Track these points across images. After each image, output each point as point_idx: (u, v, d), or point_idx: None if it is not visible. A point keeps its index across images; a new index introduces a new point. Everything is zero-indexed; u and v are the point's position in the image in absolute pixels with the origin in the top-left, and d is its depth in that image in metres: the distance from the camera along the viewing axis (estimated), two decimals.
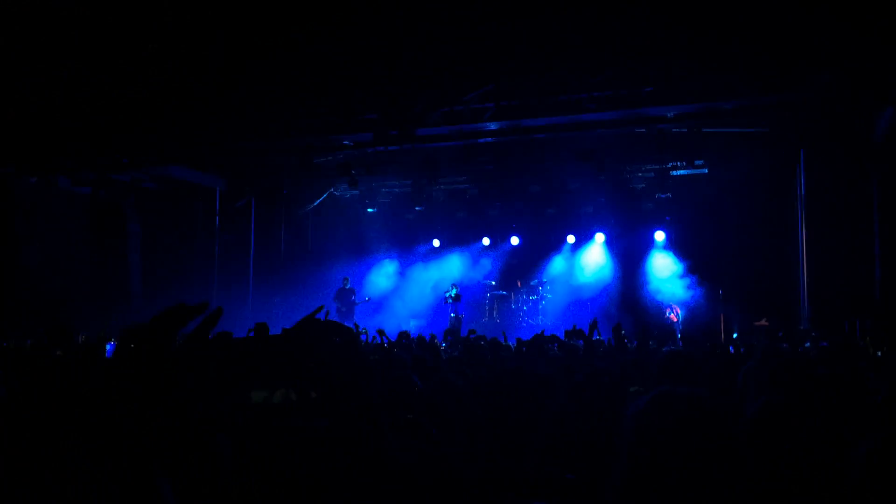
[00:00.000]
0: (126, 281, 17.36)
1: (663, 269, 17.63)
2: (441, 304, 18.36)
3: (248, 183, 18.41)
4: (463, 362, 5.99)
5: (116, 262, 17.39)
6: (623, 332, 6.66)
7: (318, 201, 19.48)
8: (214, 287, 17.91)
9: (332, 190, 19.20)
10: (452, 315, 17.57)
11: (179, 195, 17.92)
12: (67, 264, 16.69)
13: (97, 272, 17.23)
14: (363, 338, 8.80)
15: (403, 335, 9.95)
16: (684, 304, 16.76)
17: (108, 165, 15.93)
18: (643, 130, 13.80)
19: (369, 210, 19.42)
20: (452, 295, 17.81)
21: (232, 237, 18.48)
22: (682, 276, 17.24)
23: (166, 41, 11.98)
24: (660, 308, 16.78)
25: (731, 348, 10.07)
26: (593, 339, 6.55)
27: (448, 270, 19.51)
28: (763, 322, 14.42)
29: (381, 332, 9.89)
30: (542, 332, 7.27)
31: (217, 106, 13.56)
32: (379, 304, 18.91)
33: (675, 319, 16.32)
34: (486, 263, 19.67)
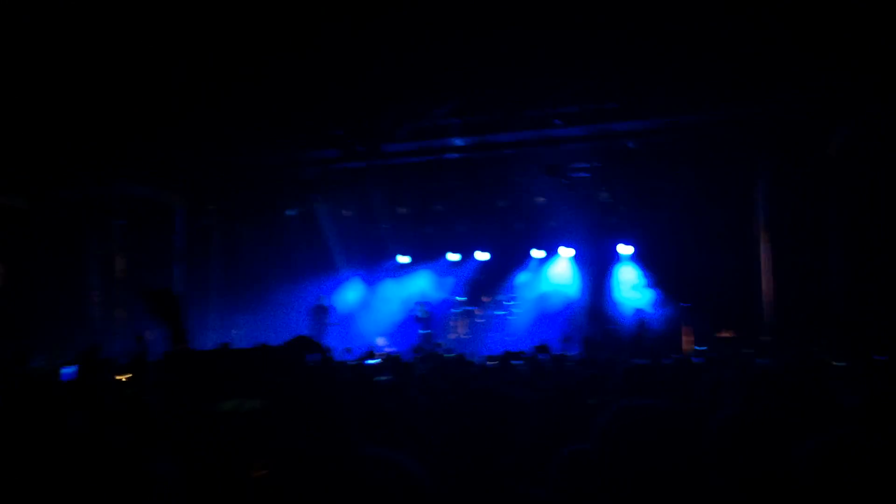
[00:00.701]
0: (83, 302, 16.99)
1: (629, 282, 17.78)
2: (410, 322, 18.28)
3: (209, 201, 18.18)
4: (428, 379, 5.94)
5: (75, 284, 17.03)
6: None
7: (285, 216, 19.30)
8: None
9: (298, 206, 19.05)
10: (421, 332, 17.51)
11: (139, 214, 17.62)
12: (24, 286, 16.29)
13: (54, 294, 16.84)
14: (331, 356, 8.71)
15: (370, 353, 9.87)
16: (648, 317, 16.90)
17: (67, 183, 15.62)
18: (608, 145, 13.96)
19: (335, 227, 19.29)
20: (419, 315, 17.76)
21: (194, 256, 18.20)
22: (647, 289, 17.39)
23: (126, 57, 11.81)
24: (628, 319, 16.89)
25: (693, 359, 10.13)
26: (559, 353, 6.55)
27: (415, 286, 19.44)
28: (726, 333, 14.58)
29: (348, 350, 9.80)
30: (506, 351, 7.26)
31: (180, 122, 13.39)
32: (346, 321, 18.76)
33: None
34: (453, 279, 19.64)
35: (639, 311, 16.74)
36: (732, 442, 2.46)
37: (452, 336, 18.30)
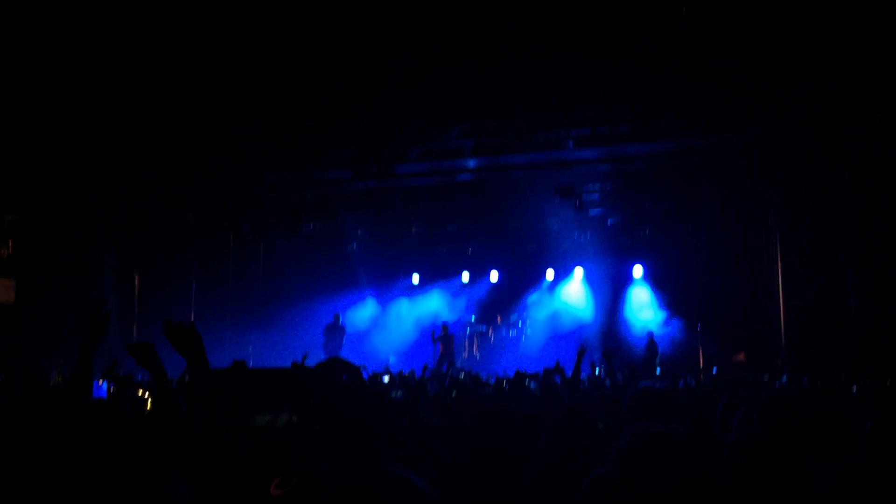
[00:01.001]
0: (86, 305, 17.07)
1: (641, 303, 17.75)
2: (424, 341, 18.31)
3: (225, 220, 18.34)
4: (440, 400, 5.96)
5: (90, 299, 17.14)
6: (595, 363, 6.68)
7: (300, 235, 19.42)
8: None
9: (313, 226, 19.17)
10: (440, 353, 17.44)
11: (156, 232, 17.78)
12: (40, 302, 16.42)
13: (70, 310, 16.96)
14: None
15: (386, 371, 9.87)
16: (662, 339, 16.84)
17: (84, 199, 15.80)
18: (620, 167, 14.00)
19: (349, 247, 19.39)
20: (439, 335, 17.70)
21: (210, 273, 18.33)
22: (659, 310, 17.36)
23: (145, 77, 11.99)
24: (639, 339, 16.83)
25: (707, 383, 10.09)
26: (574, 374, 6.54)
27: (428, 306, 19.48)
28: (740, 357, 14.50)
29: (363, 368, 9.82)
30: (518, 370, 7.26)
31: (195, 143, 13.55)
32: (359, 339, 18.81)
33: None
34: (466, 299, 19.67)
35: (649, 332, 16.68)
36: (748, 467, 2.47)
37: (465, 356, 18.30)
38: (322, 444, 1.80)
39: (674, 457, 1.71)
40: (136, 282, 17.53)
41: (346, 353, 16.88)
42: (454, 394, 6.66)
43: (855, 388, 7.88)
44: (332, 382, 1.84)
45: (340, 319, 18.02)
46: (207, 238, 18.45)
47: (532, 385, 7.01)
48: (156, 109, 12.65)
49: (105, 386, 4.32)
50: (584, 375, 8.21)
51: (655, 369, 15.40)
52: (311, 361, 14.50)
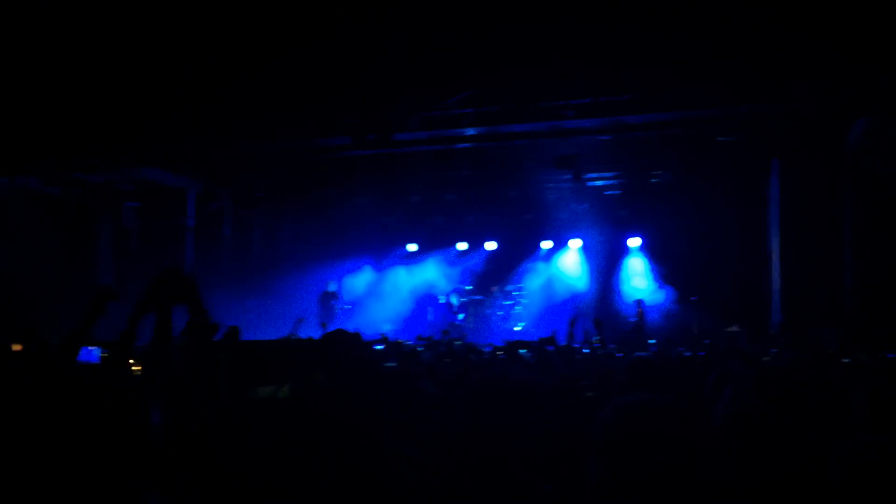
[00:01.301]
0: (97, 284, 17.11)
1: (638, 275, 17.79)
2: (420, 310, 18.39)
3: (222, 185, 18.25)
4: (435, 368, 5.99)
5: (87, 265, 17.14)
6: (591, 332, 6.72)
7: (296, 202, 19.35)
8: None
9: (309, 193, 19.10)
10: (457, 321, 17.54)
11: (152, 197, 17.71)
12: (37, 267, 16.41)
13: (67, 275, 16.96)
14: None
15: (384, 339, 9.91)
16: (655, 309, 16.91)
17: (80, 166, 15.70)
18: (620, 138, 13.93)
19: (346, 214, 19.34)
20: (453, 302, 17.73)
21: (206, 240, 18.30)
22: (655, 282, 17.41)
23: (141, 41, 11.85)
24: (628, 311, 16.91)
25: (700, 354, 10.14)
26: (568, 342, 6.58)
27: (424, 275, 19.50)
28: (735, 328, 14.57)
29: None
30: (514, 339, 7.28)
31: (192, 108, 13.43)
32: (354, 307, 18.86)
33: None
34: (462, 268, 19.69)
35: (639, 302, 16.74)
36: (738, 438, 2.48)
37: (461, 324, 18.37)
38: (322, 417, 1.80)
39: (658, 426, 1.70)
40: (131, 247, 17.50)
41: (340, 322, 16.93)
42: (448, 362, 6.68)
43: (848, 360, 7.92)
44: (335, 355, 1.84)
45: (332, 286, 18.03)
46: (203, 203, 18.39)
47: (527, 353, 7.04)
48: (153, 72, 12.52)
49: (97, 351, 4.30)
50: (576, 344, 8.25)
51: (644, 338, 15.52)
52: (306, 328, 14.60)
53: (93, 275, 17.13)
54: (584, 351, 8.53)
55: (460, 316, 17.70)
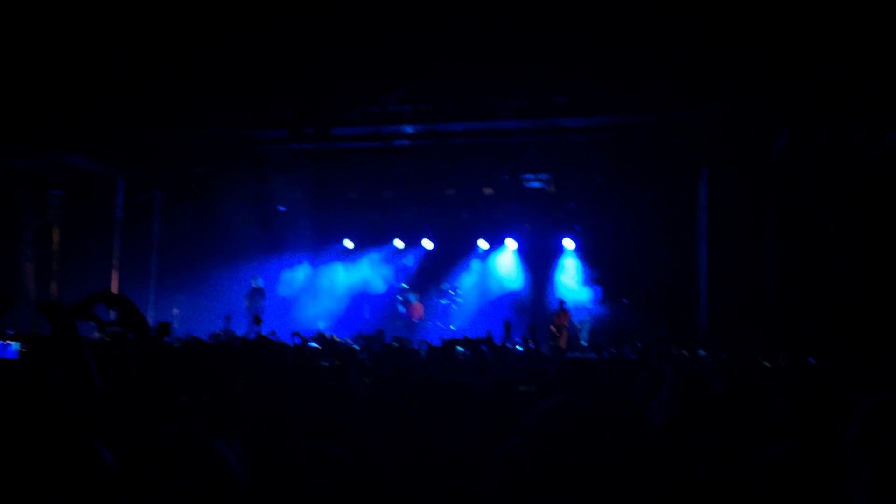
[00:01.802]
0: (17, 273, 16.42)
1: (571, 276, 18.08)
2: (356, 307, 18.31)
3: (153, 176, 17.74)
4: (372, 366, 5.96)
5: (8, 254, 16.43)
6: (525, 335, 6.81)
7: (231, 195, 18.95)
8: (114, 284, 17.19)
9: (245, 186, 18.73)
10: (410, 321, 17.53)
11: (79, 186, 17.08)
12: None
13: None
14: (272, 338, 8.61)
15: (321, 337, 9.79)
16: (582, 311, 17.24)
17: (3, 152, 15.05)
18: (556, 140, 14.15)
19: (281, 208, 19.05)
20: (408, 300, 17.66)
21: (134, 231, 17.76)
22: (588, 284, 17.71)
23: (71, 23, 11.43)
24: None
25: (632, 356, 10.37)
26: (503, 344, 6.63)
27: (360, 272, 19.39)
28: (663, 330, 14.95)
29: (296, 334, 9.70)
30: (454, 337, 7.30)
31: (123, 94, 13.02)
32: (289, 304, 18.62)
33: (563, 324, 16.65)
34: (399, 266, 19.65)
35: (559, 300, 17.05)
36: (665, 440, 2.54)
37: (396, 322, 18.34)
38: (242, 423, 1.76)
39: (586, 425, 1.71)
40: (56, 238, 16.84)
41: (273, 318, 16.69)
42: (383, 360, 6.66)
43: (769, 364, 8.23)
44: (255, 362, 1.80)
45: (259, 281, 17.77)
46: (133, 194, 17.84)
47: (464, 351, 7.07)
48: (86, 58, 12.09)
49: (15, 347, 4.11)
50: (510, 345, 8.33)
51: (572, 340, 15.85)
52: (235, 325, 14.33)
53: (15, 265, 16.43)
54: (518, 349, 8.63)
55: (411, 320, 17.67)
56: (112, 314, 2.48)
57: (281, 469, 1.80)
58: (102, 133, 14.37)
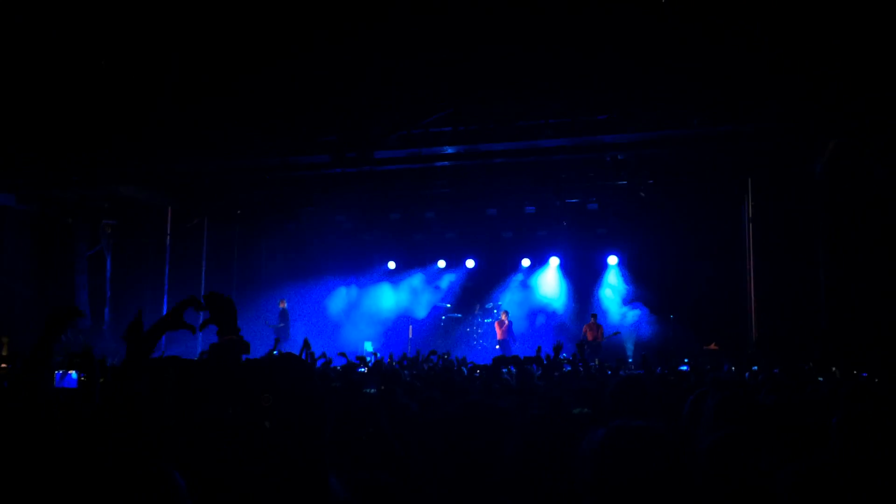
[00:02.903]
0: (72, 301, 16.89)
1: (615, 293, 17.91)
2: (400, 327, 18.37)
3: (200, 203, 18.14)
4: (417, 387, 5.98)
5: (63, 283, 16.92)
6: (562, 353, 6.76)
7: (276, 220, 19.26)
8: (164, 310, 17.57)
9: (289, 211, 19.03)
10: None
11: (130, 215, 17.56)
12: (11, 284, 16.19)
13: (43, 292, 16.74)
14: (320, 362, 8.70)
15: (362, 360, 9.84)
16: (635, 328, 17.03)
17: (57, 183, 15.55)
18: (598, 157, 14.09)
19: (324, 231, 19.28)
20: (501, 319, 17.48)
21: (183, 258, 18.15)
22: (633, 300, 17.52)
23: (119, 58, 11.81)
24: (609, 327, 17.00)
25: (682, 369, 10.21)
26: (552, 362, 6.59)
27: (404, 293, 19.50)
28: (712, 346, 14.69)
29: (342, 354, 9.80)
30: (504, 355, 7.27)
31: (170, 124, 13.38)
32: (335, 326, 18.81)
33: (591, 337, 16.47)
34: (442, 286, 19.70)
35: (592, 314, 16.94)
36: (725, 462, 2.51)
37: (440, 342, 18.34)
38: (267, 444, 1.81)
39: (649, 454, 1.71)
40: (108, 265, 17.32)
41: (320, 340, 16.85)
42: (428, 381, 6.67)
43: (822, 379, 8.03)
44: (283, 381, 1.85)
45: (285, 304, 17.99)
46: (181, 221, 18.26)
47: (512, 369, 7.04)
48: (133, 90, 12.48)
49: (74, 375, 4.23)
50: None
51: (627, 362, 15.65)
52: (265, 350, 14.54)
53: (69, 293, 16.91)
54: (566, 368, 8.56)
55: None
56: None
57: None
58: (151, 163, 14.76)
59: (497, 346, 17.28)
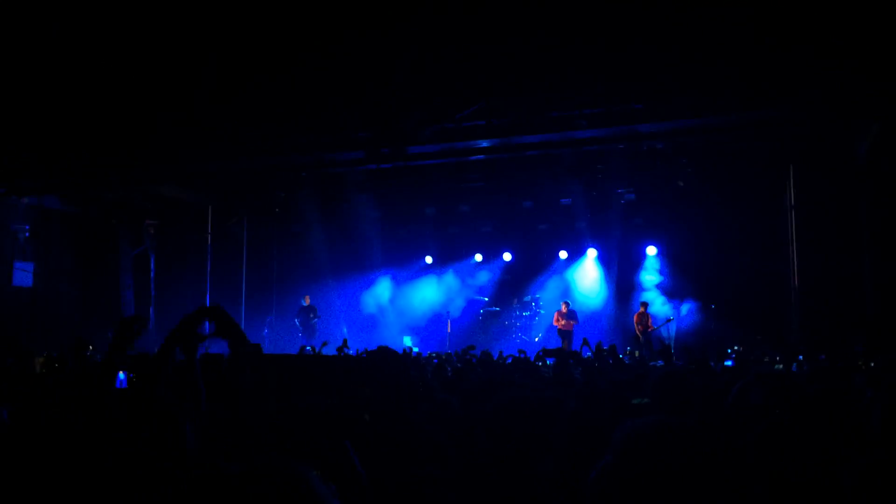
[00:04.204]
0: (117, 301, 17.28)
1: (654, 283, 17.70)
2: (438, 321, 18.41)
3: (239, 201, 18.40)
4: (455, 380, 6.00)
5: (108, 282, 17.32)
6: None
7: (313, 217, 19.45)
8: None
9: (326, 207, 19.20)
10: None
11: (171, 214, 17.90)
12: (57, 285, 16.61)
13: (88, 292, 17.16)
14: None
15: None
16: (676, 319, 16.81)
17: (99, 184, 15.90)
18: (634, 146, 13.94)
19: (361, 227, 19.39)
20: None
21: (224, 256, 18.44)
22: (672, 291, 17.30)
23: (157, 58, 12.02)
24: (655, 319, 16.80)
25: (724, 363, 10.09)
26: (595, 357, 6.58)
27: (441, 287, 19.53)
28: (758, 337, 14.48)
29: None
30: (559, 347, 7.22)
31: (208, 124, 13.58)
32: (373, 321, 18.94)
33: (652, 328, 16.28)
34: (479, 280, 19.68)
35: (643, 302, 16.72)
36: (771, 454, 2.49)
37: (479, 336, 18.35)
38: (365, 433, 1.85)
39: (677, 449, 1.69)
40: (152, 264, 17.67)
41: (358, 335, 17.00)
42: (467, 374, 6.69)
43: (871, 365, 7.87)
44: (381, 373, 1.89)
45: (309, 300, 18.11)
46: (222, 220, 18.54)
47: (549, 361, 7.02)
48: (170, 90, 12.70)
49: (121, 376, 4.33)
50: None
51: (651, 345, 15.48)
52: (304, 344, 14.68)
53: (114, 292, 17.30)
54: (609, 361, 8.51)
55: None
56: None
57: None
58: (191, 163, 15.01)
59: (537, 338, 17.20)
